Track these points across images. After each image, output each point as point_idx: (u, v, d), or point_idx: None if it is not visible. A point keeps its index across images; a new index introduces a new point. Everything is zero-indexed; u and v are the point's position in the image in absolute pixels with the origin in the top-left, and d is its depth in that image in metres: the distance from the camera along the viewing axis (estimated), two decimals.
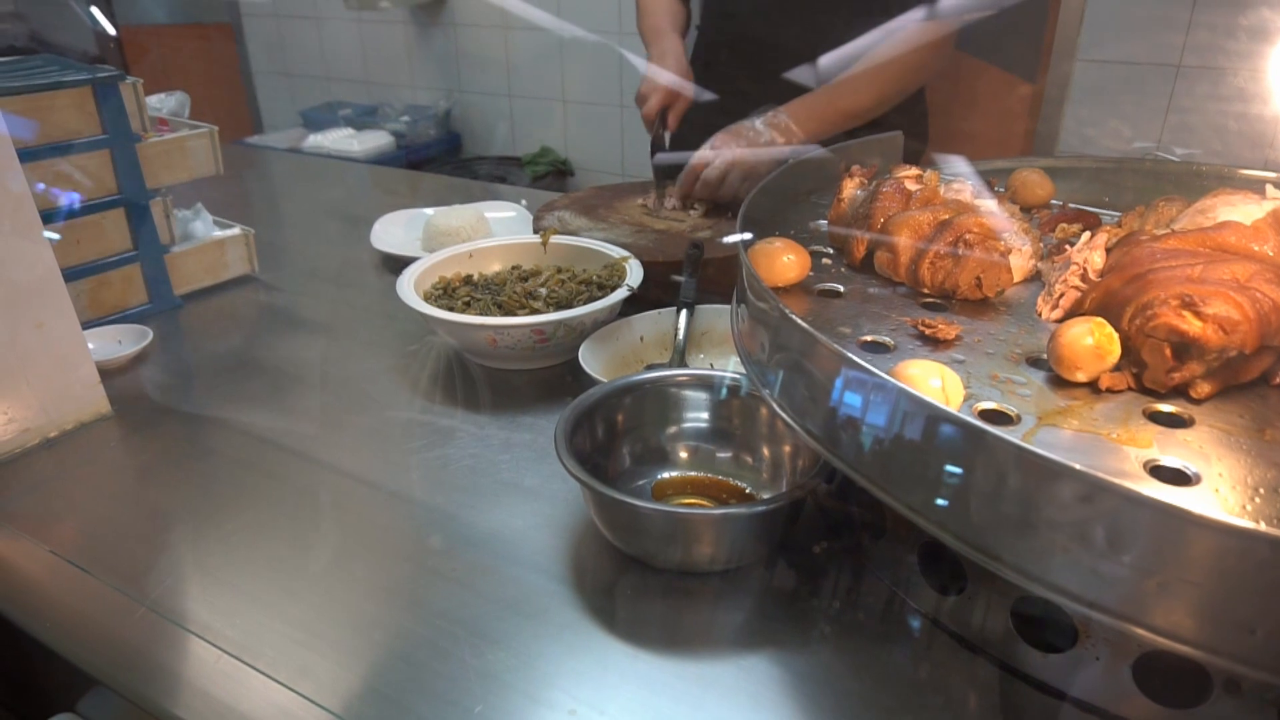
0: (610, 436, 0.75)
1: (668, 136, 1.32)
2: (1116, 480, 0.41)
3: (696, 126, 1.29)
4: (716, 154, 1.20)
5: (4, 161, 0.78)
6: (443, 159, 3.15)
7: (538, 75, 2.97)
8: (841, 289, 0.74)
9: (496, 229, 1.37)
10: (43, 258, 0.82)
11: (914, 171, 0.81)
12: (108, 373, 0.96)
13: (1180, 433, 0.53)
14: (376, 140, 3.01)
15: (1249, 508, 0.47)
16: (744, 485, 0.75)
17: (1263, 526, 0.39)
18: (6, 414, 0.82)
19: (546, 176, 2.96)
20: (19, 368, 0.82)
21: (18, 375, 0.83)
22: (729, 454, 0.77)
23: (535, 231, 1.19)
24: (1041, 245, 0.76)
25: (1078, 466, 0.42)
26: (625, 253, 1.06)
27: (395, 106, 3.17)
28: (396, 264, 1.28)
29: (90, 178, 1.04)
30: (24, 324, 0.82)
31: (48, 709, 0.67)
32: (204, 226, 1.23)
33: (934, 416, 0.48)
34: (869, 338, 0.66)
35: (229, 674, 0.60)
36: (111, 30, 3.69)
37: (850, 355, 0.53)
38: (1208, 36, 1.78)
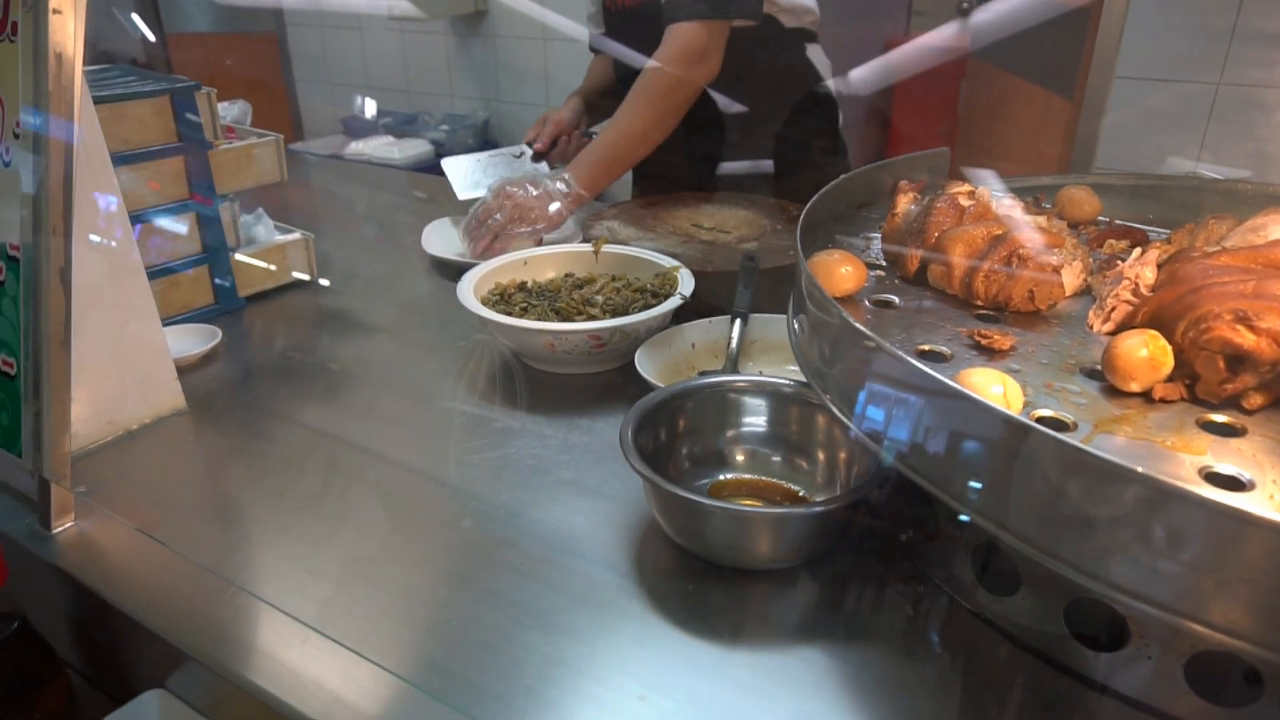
0: (671, 438, 0.78)
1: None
2: (1181, 484, 0.43)
3: None
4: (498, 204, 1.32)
5: (101, 171, 0.82)
6: None
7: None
8: (896, 300, 0.76)
9: (546, 237, 1.40)
10: (131, 261, 0.87)
11: (966, 188, 0.83)
12: (181, 370, 1.00)
13: (1233, 441, 0.56)
14: (416, 148, 3.07)
15: None
16: (798, 488, 0.78)
17: None
18: (94, 407, 0.87)
19: None
20: (109, 365, 0.87)
21: (108, 371, 0.87)
22: (784, 458, 0.80)
23: (585, 240, 1.22)
24: (1090, 260, 0.78)
25: (1142, 470, 0.44)
26: (675, 262, 1.09)
27: (435, 115, 3.23)
28: (447, 268, 1.32)
29: (165, 183, 1.08)
30: (113, 324, 0.86)
31: (138, 686, 0.71)
32: (266, 231, 1.28)
33: (1000, 422, 0.51)
34: (926, 347, 0.68)
35: (315, 652, 0.63)
36: (152, 38, 3.78)
37: (917, 363, 0.55)
38: (1248, 56, 1.79)
